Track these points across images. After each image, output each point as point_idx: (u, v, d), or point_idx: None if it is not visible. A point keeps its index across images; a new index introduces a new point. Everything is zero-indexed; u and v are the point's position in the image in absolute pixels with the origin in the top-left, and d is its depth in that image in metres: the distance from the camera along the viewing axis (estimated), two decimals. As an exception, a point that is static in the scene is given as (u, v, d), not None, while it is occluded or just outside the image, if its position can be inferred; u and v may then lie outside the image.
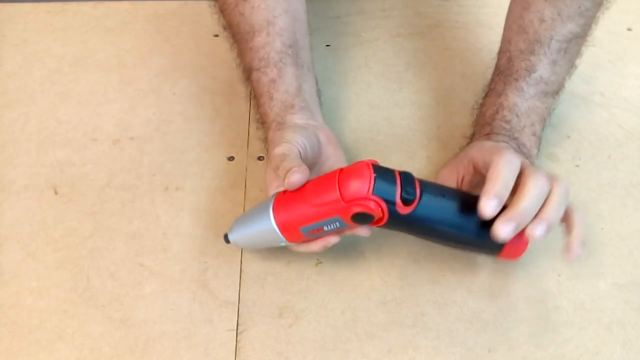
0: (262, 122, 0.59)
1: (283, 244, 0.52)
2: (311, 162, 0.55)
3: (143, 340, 0.52)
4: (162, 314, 0.53)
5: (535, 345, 0.52)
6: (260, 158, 0.65)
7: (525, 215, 0.46)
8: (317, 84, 0.62)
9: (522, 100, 0.57)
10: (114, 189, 0.62)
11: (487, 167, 0.49)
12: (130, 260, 0.57)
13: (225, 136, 0.67)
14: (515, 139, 0.55)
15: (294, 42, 0.60)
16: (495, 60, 0.63)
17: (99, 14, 0.81)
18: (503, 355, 0.51)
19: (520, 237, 0.49)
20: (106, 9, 0.82)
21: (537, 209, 0.46)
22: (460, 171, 0.54)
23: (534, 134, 0.57)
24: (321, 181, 0.49)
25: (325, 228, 0.49)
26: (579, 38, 0.58)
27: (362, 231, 0.50)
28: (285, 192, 0.50)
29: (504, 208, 0.47)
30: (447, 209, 0.49)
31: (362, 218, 0.47)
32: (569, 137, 0.67)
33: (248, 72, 0.61)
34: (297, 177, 0.48)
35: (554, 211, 0.47)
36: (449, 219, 0.49)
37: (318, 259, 0.57)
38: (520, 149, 0.55)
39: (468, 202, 0.49)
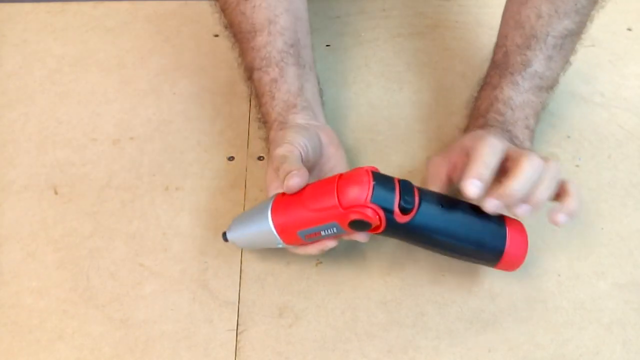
0: (264, 122, 0.59)
1: (280, 245, 0.52)
2: (312, 162, 0.55)
3: (143, 340, 0.52)
4: (162, 314, 0.53)
5: (535, 345, 0.52)
6: (260, 158, 0.65)
7: (515, 196, 0.47)
8: (319, 83, 0.62)
9: (516, 94, 0.58)
10: (114, 189, 0.62)
11: None
12: (130, 260, 0.57)
13: (225, 136, 0.67)
14: (508, 131, 0.56)
15: (296, 41, 0.60)
16: (491, 55, 0.63)
17: (99, 14, 0.81)
18: (503, 355, 0.51)
19: (518, 249, 0.50)
20: (106, 9, 0.82)
21: (529, 190, 0.47)
22: (452, 159, 0.54)
23: (527, 127, 0.57)
24: (320, 186, 0.49)
25: (323, 233, 0.49)
26: (574, 35, 0.59)
27: (360, 237, 0.50)
28: (284, 194, 0.50)
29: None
30: (445, 218, 0.49)
31: (359, 225, 0.47)
32: (569, 137, 0.67)
33: (249, 72, 0.61)
34: (296, 180, 0.48)
35: (541, 193, 0.48)
36: (447, 229, 0.49)
37: (318, 259, 0.57)
38: (513, 142, 0.55)
39: (467, 212, 0.50)
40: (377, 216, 0.46)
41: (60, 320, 0.53)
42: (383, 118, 0.69)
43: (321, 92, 0.62)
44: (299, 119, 0.56)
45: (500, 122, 0.56)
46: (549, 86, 0.60)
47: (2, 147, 0.66)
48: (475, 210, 0.50)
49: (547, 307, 0.54)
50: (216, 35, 0.78)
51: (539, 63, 0.58)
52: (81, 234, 0.59)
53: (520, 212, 0.48)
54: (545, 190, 0.48)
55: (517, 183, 0.46)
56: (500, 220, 0.50)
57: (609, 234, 0.59)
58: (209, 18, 0.76)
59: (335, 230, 0.48)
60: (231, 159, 0.65)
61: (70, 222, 0.60)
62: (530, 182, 0.47)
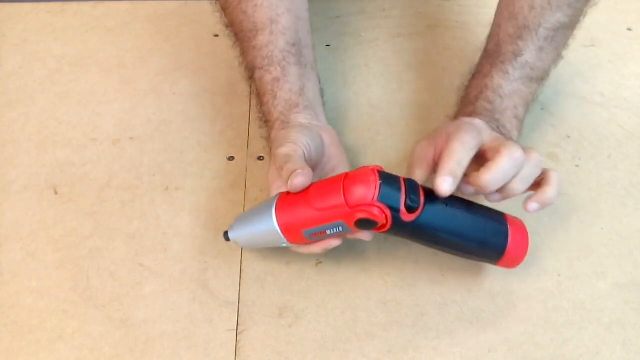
0: (265, 121, 0.59)
1: (284, 245, 0.52)
2: (315, 162, 0.55)
3: (143, 340, 0.52)
4: (162, 314, 0.53)
5: (535, 345, 0.52)
6: (260, 158, 0.65)
7: (488, 188, 0.48)
8: (320, 83, 0.62)
9: (506, 83, 0.58)
10: (114, 189, 0.62)
11: None
12: (130, 260, 0.57)
13: (225, 136, 0.67)
14: (496, 120, 0.56)
15: (297, 40, 0.60)
16: (484, 45, 0.63)
17: (99, 14, 0.81)
18: (503, 355, 0.51)
19: (519, 247, 0.50)
20: (106, 9, 0.82)
21: (503, 182, 0.49)
22: (438, 145, 0.53)
23: (516, 117, 0.58)
24: (326, 185, 0.49)
25: (328, 232, 0.49)
26: (567, 28, 0.59)
27: (364, 236, 0.50)
28: (288, 193, 0.50)
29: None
30: (449, 217, 0.49)
31: (365, 224, 0.47)
32: (569, 137, 0.67)
33: (251, 71, 0.61)
34: (300, 180, 0.48)
35: (516, 185, 0.50)
36: (451, 227, 0.49)
37: (318, 259, 0.57)
38: (499, 130, 0.55)
39: (470, 210, 0.50)
40: (384, 215, 0.46)
41: (60, 320, 0.53)
42: (383, 118, 0.69)
43: (322, 92, 0.62)
44: (301, 118, 0.56)
45: (489, 110, 0.57)
46: (539, 77, 0.60)
47: (2, 147, 0.66)
48: (478, 208, 0.50)
49: (547, 307, 0.54)
50: (216, 35, 0.78)
51: (530, 53, 0.58)
52: (81, 234, 0.59)
53: (492, 200, 0.51)
54: (520, 183, 0.50)
55: (491, 176, 0.48)
56: (502, 218, 0.50)
57: (609, 234, 0.59)
58: (209, 18, 0.77)
59: (341, 229, 0.48)
60: (231, 159, 0.65)
61: (70, 222, 0.60)
62: (505, 176, 0.48)
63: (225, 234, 0.53)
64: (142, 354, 0.51)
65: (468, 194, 0.51)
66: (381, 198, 0.46)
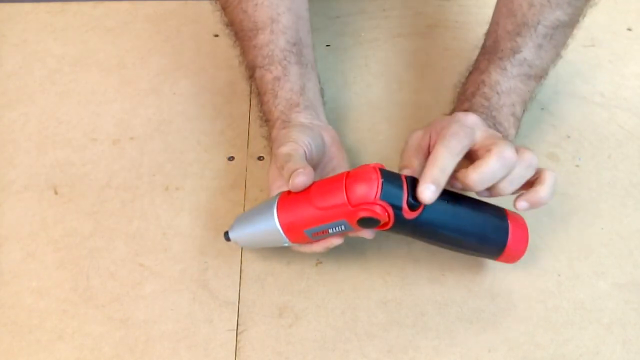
0: (266, 120, 0.59)
1: (286, 244, 0.52)
2: (316, 162, 0.55)
3: (143, 340, 0.52)
4: (162, 314, 0.53)
5: (535, 345, 0.52)
6: (260, 158, 0.65)
7: (475, 187, 0.48)
8: (320, 82, 0.62)
9: (504, 79, 0.58)
10: (114, 189, 0.62)
11: None
12: (130, 260, 0.57)
13: (225, 136, 0.67)
14: (493, 117, 0.56)
15: (298, 40, 0.60)
16: (482, 42, 0.63)
17: (99, 14, 0.81)
18: (503, 355, 0.51)
19: (520, 242, 0.50)
20: (106, 9, 0.82)
21: (494, 181, 0.48)
22: (434, 137, 0.52)
23: (513, 115, 0.57)
24: (327, 184, 0.49)
25: (330, 231, 0.49)
26: (566, 27, 0.59)
27: (366, 234, 0.50)
28: (289, 192, 0.50)
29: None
30: (450, 213, 0.49)
31: (368, 222, 0.47)
32: (569, 137, 0.67)
33: (251, 70, 0.61)
34: (301, 179, 0.48)
35: (504, 186, 0.49)
36: (452, 224, 0.49)
37: (318, 259, 0.57)
38: (496, 128, 0.55)
39: (470, 206, 0.50)
40: (386, 213, 0.46)
41: (60, 320, 0.53)
42: (383, 118, 0.69)
43: (322, 92, 0.62)
44: (302, 117, 0.56)
45: (485, 106, 0.56)
46: (537, 75, 0.59)
47: (2, 147, 0.66)
48: (478, 204, 0.50)
49: (547, 307, 0.54)
50: (216, 35, 0.78)
51: (528, 50, 0.58)
52: (81, 234, 0.59)
53: (482, 196, 0.51)
54: (509, 184, 0.49)
55: (478, 176, 0.47)
56: (502, 214, 0.51)
57: (609, 234, 0.59)
58: (209, 18, 0.76)
59: (343, 228, 0.48)
60: (231, 159, 0.65)
61: (70, 222, 0.60)
62: (493, 176, 0.48)
63: (226, 234, 0.53)
64: (142, 354, 0.51)
65: (456, 189, 0.50)
66: (383, 196, 0.46)
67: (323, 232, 0.49)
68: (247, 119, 0.69)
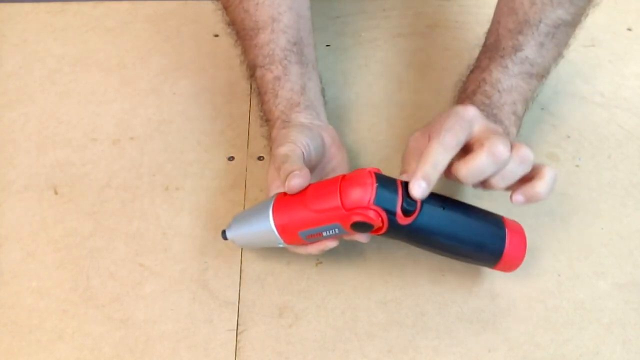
0: (266, 120, 0.59)
1: (281, 245, 0.52)
2: (315, 163, 0.55)
3: (143, 340, 0.52)
4: (162, 314, 0.53)
5: (535, 345, 0.52)
6: (260, 158, 0.65)
7: (465, 181, 0.48)
8: (321, 82, 0.62)
9: (505, 77, 0.57)
10: (114, 189, 0.62)
11: None
12: (130, 260, 0.57)
13: (225, 136, 0.67)
14: (493, 115, 0.55)
15: (299, 39, 0.60)
16: (483, 41, 0.63)
17: (99, 14, 0.81)
18: (503, 355, 0.51)
19: (517, 251, 0.50)
20: (106, 9, 0.82)
21: (484, 176, 0.47)
22: (432, 137, 0.52)
23: (514, 113, 0.57)
24: (323, 187, 0.49)
25: (324, 233, 0.49)
26: (568, 26, 0.59)
27: (361, 238, 0.50)
28: (285, 193, 0.50)
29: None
30: (446, 220, 0.49)
31: (361, 226, 0.47)
32: (569, 137, 0.67)
33: (252, 69, 0.61)
34: (297, 181, 0.48)
35: (495, 181, 0.48)
36: (448, 231, 0.49)
37: (318, 259, 0.57)
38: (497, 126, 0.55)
39: (467, 213, 0.50)
40: (380, 218, 0.46)
41: (60, 320, 0.53)
42: (383, 118, 0.69)
43: (323, 92, 0.62)
44: (302, 117, 0.56)
45: (486, 104, 0.56)
46: (539, 74, 0.59)
47: (2, 147, 0.66)
48: (475, 212, 0.50)
49: (547, 307, 0.54)
50: (216, 35, 0.78)
51: (530, 49, 0.57)
52: (81, 234, 0.59)
53: (475, 188, 0.51)
54: (501, 180, 0.48)
55: (467, 171, 0.47)
56: (499, 221, 0.50)
57: (609, 234, 0.59)
58: (209, 18, 0.77)
59: (337, 231, 0.48)
60: (231, 159, 0.65)
61: (70, 222, 0.60)
62: (483, 172, 0.47)
63: (223, 232, 0.53)
64: (142, 354, 0.51)
65: (451, 180, 0.50)
66: (377, 201, 0.46)
67: (317, 235, 0.49)
68: (247, 119, 0.69)
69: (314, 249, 0.51)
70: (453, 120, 0.49)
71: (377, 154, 0.66)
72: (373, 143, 0.67)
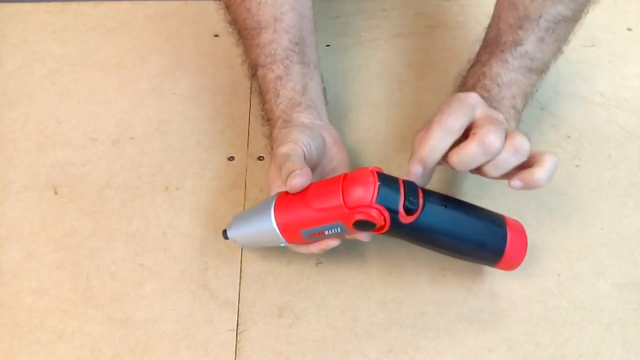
0: (268, 119, 0.59)
1: (282, 244, 0.52)
2: (315, 162, 0.55)
3: (143, 340, 0.52)
4: (162, 314, 0.53)
5: (535, 345, 0.52)
6: (260, 158, 0.65)
7: (458, 168, 0.48)
8: (322, 82, 0.62)
9: (505, 71, 0.57)
10: (114, 189, 0.62)
11: None
12: (130, 260, 0.57)
13: (225, 136, 0.67)
14: (493, 108, 0.55)
15: (301, 39, 0.60)
16: (483, 36, 0.63)
17: (99, 14, 0.81)
18: (503, 355, 0.51)
19: (518, 250, 0.50)
20: (106, 9, 0.82)
21: (476, 165, 0.48)
22: (434, 121, 0.52)
23: (513, 107, 0.57)
24: (324, 185, 0.49)
25: (326, 232, 0.49)
26: (568, 22, 0.59)
27: (362, 236, 0.50)
28: (287, 192, 0.50)
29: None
30: (448, 219, 0.49)
31: (363, 225, 0.47)
32: (569, 137, 0.67)
33: (254, 69, 0.61)
34: (298, 180, 0.48)
35: (488, 169, 0.49)
36: (449, 229, 0.49)
37: (318, 259, 0.57)
38: None
39: (468, 212, 0.50)
40: (382, 217, 0.46)
41: (60, 320, 0.53)
42: (383, 118, 0.69)
43: (325, 91, 0.62)
44: (303, 117, 0.56)
45: (486, 98, 0.56)
46: (538, 69, 0.59)
47: (2, 147, 0.66)
48: (476, 210, 0.50)
49: (547, 307, 0.54)
50: (216, 35, 0.78)
51: (530, 44, 0.58)
52: (81, 234, 0.59)
53: (472, 174, 0.51)
54: (494, 169, 0.49)
55: (458, 159, 0.47)
56: (500, 220, 0.50)
57: (609, 234, 0.59)
58: (209, 18, 0.77)
59: (339, 230, 0.48)
60: (231, 159, 0.65)
61: (70, 222, 0.60)
62: (474, 161, 0.48)
63: (224, 232, 0.53)
64: (142, 354, 0.51)
65: (444, 166, 0.51)
66: (379, 200, 0.46)
67: (319, 234, 0.49)
68: (247, 118, 0.69)
69: (316, 248, 0.51)
70: (456, 104, 0.50)
71: (377, 154, 0.66)
72: (373, 143, 0.67)
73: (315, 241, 0.51)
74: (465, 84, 0.60)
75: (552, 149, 0.66)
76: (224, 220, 0.59)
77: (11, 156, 0.65)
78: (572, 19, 0.59)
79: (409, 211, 0.47)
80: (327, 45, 0.78)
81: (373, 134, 0.68)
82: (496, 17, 0.61)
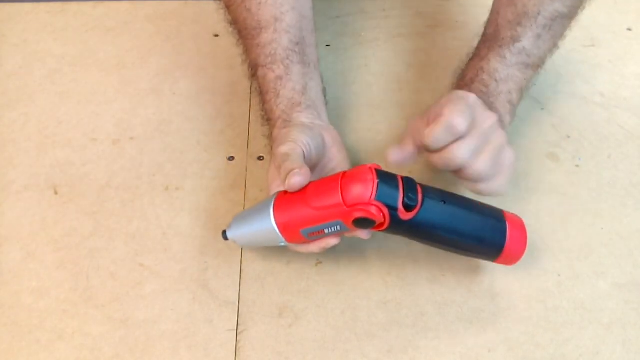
0: (267, 119, 0.59)
1: (282, 244, 0.52)
2: (315, 162, 0.55)
3: (143, 340, 0.52)
4: (162, 314, 0.53)
5: (535, 345, 0.52)
6: (260, 158, 0.65)
7: (429, 148, 0.51)
8: (322, 82, 0.62)
9: (502, 67, 0.59)
10: (114, 189, 0.62)
11: None
12: (130, 260, 0.57)
13: (225, 136, 0.67)
14: (490, 103, 0.57)
15: (301, 39, 0.60)
16: (482, 30, 0.64)
17: (99, 14, 0.81)
18: (503, 355, 0.51)
19: (518, 244, 0.50)
20: (106, 9, 0.82)
21: (440, 145, 0.51)
22: (431, 119, 0.54)
23: (509, 102, 0.59)
24: (324, 184, 0.49)
25: (326, 231, 0.49)
26: (565, 18, 0.60)
27: (362, 234, 0.50)
28: (286, 192, 0.50)
29: None
30: (447, 215, 0.49)
31: (363, 223, 0.47)
32: (569, 137, 0.67)
33: (254, 68, 0.61)
34: (297, 179, 0.48)
35: (441, 160, 0.51)
36: (449, 225, 0.49)
37: (318, 259, 0.57)
38: None
39: (468, 208, 0.50)
40: (382, 214, 0.46)
41: (60, 320, 0.53)
42: (383, 118, 0.69)
43: (325, 91, 0.62)
44: (303, 117, 0.56)
45: (484, 93, 0.58)
46: (535, 64, 0.61)
47: (2, 147, 0.66)
48: (476, 206, 0.50)
49: (547, 307, 0.54)
50: (216, 35, 0.78)
51: (527, 40, 0.59)
52: (81, 234, 0.59)
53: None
54: (444, 161, 0.51)
55: (428, 139, 0.50)
56: (500, 215, 0.51)
57: (609, 234, 0.59)
58: (209, 18, 0.77)
59: (338, 228, 0.48)
60: (231, 159, 0.65)
61: (70, 222, 0.60)
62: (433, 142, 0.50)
63: (224, 233, 0.53)
64: (142, 354, 0.51)
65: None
66: (379, 197, 0.46)
67: (319, 232, 0.49)
68: (247, 118, 0.69)
69: (316, 247, 0.51)
70: (462, 106, 0.52)
71: (377, 154, 0.65)
72: (373, 143, 0.67)
73: (315, 240, 0.51)
74: (464, 78, 0.61)
75: (552, 149, 0.66)
76: (224, 220, 0.59)
77: (11, 156, 0.65)
78: (569, 16, 0.60)
79: (408, 207, 0.47)
80: (327, 45, 0.78)
81: (373, 134, 0.68)
82: (495, 12, 0.62)
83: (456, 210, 0.49)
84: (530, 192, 0.62)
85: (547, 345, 0.52)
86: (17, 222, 0.60)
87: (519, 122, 0.68)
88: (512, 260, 0.51)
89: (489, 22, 0.63)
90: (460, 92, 0.55)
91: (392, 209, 0.47)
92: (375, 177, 0.47)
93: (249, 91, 0.71)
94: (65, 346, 0.52)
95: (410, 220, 0.47)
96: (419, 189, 0.48)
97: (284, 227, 0.50)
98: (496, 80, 0.58)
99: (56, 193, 0.62)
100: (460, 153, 0.50)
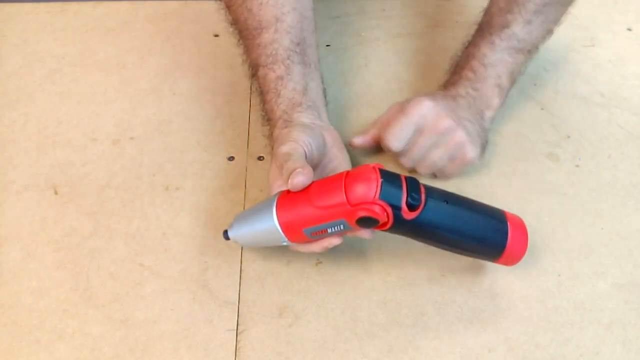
0: (268, 119, 0.59)
1: (284, 243, 0.52)
2: (316, 162, 0.55)
3: (143, 340, 0.52)
4: (162, 314, 0.53)
5: (535, 345, 0.52)
6: (260, 158, 0.65)
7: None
8: (323, 82, 0.63)
9: (491, 52, 0.62)
10: (114, 189, 0.62)
11: None
12: (130, 260, 0.57)
13: (225, 136, 0.67)
14: (476, 89, 0.61)
15: (302, 39, 0.60)
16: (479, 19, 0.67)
17: (99, 14, 0.81)
18: (503, 355, 0.51)
19: (519, 245, 0.50)
20: (106, 9, 0.82)
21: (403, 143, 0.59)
22: (383, 125, 0.62)
23: (498, 85, 0.62)
24: (327, 183, 0.49)
25: (329, 230, 0.49)
26: (557, 4, 0.62)
27: (365, 234, 0.50)
28: (288, 191, 0.50)
29: None
30: (450, 215, 0.49)
31: (367, 222, 0.47)
32: (569, 137, 0.67)
33: (254, 68, 0.61)
34: (300, 179, 0.48)
35: (408, 159, 0.61)
36: (452, 225, 0.49)
37: (318, 259, 0.57)
38: (475, 102, 0.62)
39: (470, 208, 0.50)
40: (385, 213, 0.46)
41: (60, 320, 0.53)
42: (383, 118, 0.69)
43: (325, 92, 0.62)
44: (304, 117, 0.56)
45: (471, 79, 0.61)
46: (525, 49, 0.63)
47: (2, 147, 0.66)
48: (478, 206, 0.50)
49: (547, 307, 0.54)
50: (216, 35, 0.78)
51: (517, 26, 0.61)
52: (81, 234, 0.59)
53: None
54: (409, 160, 0.61)
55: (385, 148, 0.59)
56: (501, 215, 0.51)
57: (609, 234, 0.59)
58: (209, 18, 0.77)
59: (342, 228, 0.48)
60: (231, 159, 0.65)
61: (70, 222, 0.60)
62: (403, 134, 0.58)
63: (225, 232, 0.53)
64: (142, 354, 0.51)
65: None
66: (383, 196, 0.46)
67: (322, 232, 0.49)
68: (247, 118, 0.69)
69: (318, 246, 0.51)
70: (403, 120, 0.59)
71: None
72: (373, 143, 0.67)
73: (318, 239, 0.51)
74: (455, 64, 0.65)
75: (552, 149, 0.66)
76: (224, 220, 0.59)
77: (11, 156, 0.65)
78: (562, 2, 0.62)
79: (411, 207, 0.47)
80: (327, 45, 0.78)
81: (373, 134, 0.68)
82: (490, 1, 0.65)
83: (458, 210, 0.49)
84: (530, 192, 0.62)
85: (547, 345, 0.52)
86: (17, 222, 0.60)
87: (519, 122, 0.68)
88: (513, 260, 0.51)
89: (485, 11, 0.66)
90: (414, 101, 0.59)
91: (396, 209, 0.47)
92: (379, 176, 0.47)
93: (249, 91, 0.71)
94: (65, 346, 0.52)
95: (413, 220, 0.47)
96: (422, 189, 0.48)
97: (286, 227, 0.50)
98: (484, 65, 0.61)
99: (56, 193, 0.62)
100: (407, 158, 0.61)
